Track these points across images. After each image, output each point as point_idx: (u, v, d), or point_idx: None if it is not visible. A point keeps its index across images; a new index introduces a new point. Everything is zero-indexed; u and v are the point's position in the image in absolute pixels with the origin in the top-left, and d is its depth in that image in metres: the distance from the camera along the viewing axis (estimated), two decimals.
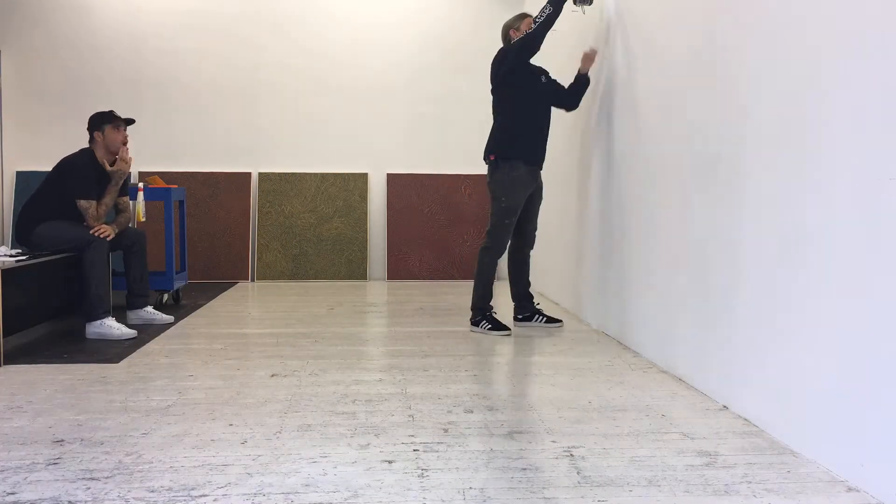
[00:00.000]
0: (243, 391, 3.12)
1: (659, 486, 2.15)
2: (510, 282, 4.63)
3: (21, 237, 4.36)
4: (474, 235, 7.05)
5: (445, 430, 2.62)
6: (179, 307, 5.28)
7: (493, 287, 4.41)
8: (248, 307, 5.38)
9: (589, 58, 4.47)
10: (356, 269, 6.97)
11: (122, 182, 4.53)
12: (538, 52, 4.30)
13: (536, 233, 4.59)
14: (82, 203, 4.36)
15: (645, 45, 3.81)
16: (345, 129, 7.07)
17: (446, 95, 7.09)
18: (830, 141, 2.28)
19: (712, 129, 3.05)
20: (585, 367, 3.56)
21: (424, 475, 2.22)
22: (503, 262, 4.63)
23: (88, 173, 4.40)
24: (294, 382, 3.26)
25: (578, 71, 4.52)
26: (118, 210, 4.69)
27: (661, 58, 3.59)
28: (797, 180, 2.44)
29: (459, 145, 7.13)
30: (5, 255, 3.87)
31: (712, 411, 2.85)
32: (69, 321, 4.66)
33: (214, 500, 2.04)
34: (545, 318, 4.55)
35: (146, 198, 5.19)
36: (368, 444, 2.47)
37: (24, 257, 3.97)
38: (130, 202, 4.86)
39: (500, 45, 4.52)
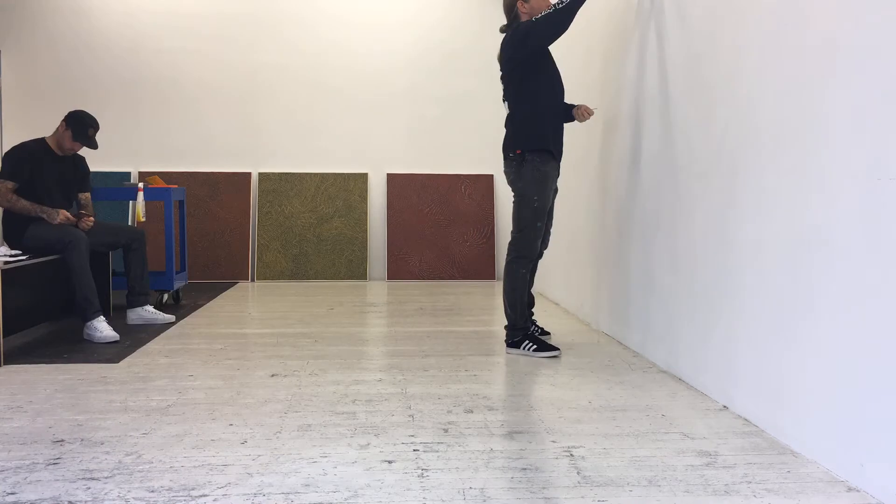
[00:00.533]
0: (243, 391, 3.12)
1: (659, 486, 2.15)
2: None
3: (11, 240, 4.27)
4: (474, 235, 7.05)
5: (445, 430, 2.62)
6: (179, 307, 5.28)
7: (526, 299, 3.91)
8: (248, 307, 5.38)
9: (586, 114, 3.96)
10: (356, 269, 6.97)
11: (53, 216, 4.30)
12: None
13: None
14: None
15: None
16: (345, 129, 7.07)
17: (446, 96, 7.09)
18: (832, 141, 2.28)
19: (712, 128, 3.05)
20: (585, 367, 3.56)
21: (424, 475, 2.22)
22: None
23: (21, 156, 4.27)
24: (294, 382, 3.26)
25: (571, 112, 4.00)
26: (80, 206, 4.64)
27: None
28: (796, 180, 2.44)
29: (459, 145, 7.13)
30: (5, 256, 3.87)
31: (712, 411, 2.85)
32: (69, 321, 4.66)
33: (214, 500, 2.04)
34: (540, 329, 4.21)
35: (146, 198, 5.19)
36: (368, 444, 2.47)
37: (23, 257, 3.97)
38: (90, 198, 4.72)
39: (499, 43, 4.33)
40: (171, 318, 4.69)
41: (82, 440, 2.50)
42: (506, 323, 3.91)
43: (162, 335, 4.29)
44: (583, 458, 2.37)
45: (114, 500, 2.03)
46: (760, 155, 2.67)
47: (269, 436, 2.56)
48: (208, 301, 5.58)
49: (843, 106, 2.22)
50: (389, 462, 2.32)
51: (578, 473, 2.24)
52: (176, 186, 5.57)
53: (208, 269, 6.80)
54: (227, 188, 6.92)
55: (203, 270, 6.79)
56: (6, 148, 6.71)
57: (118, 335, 4.12)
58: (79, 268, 4.13)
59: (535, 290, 6.35)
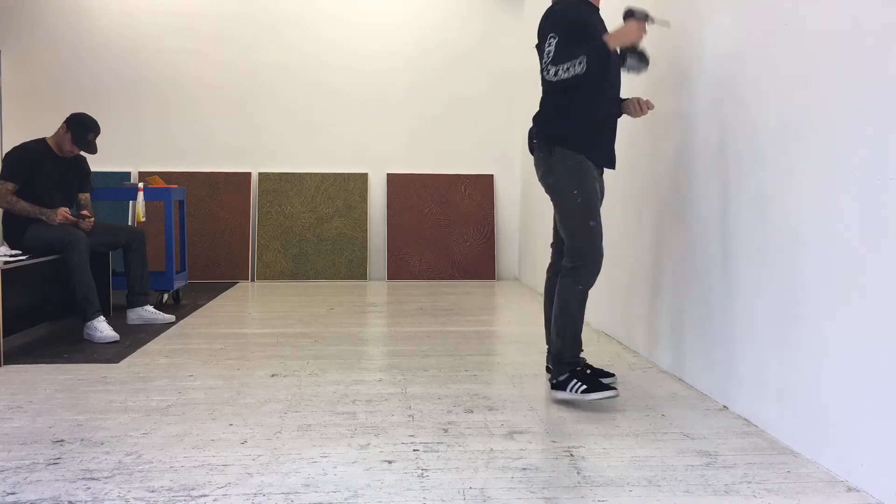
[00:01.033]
0: (243, 391, 3.12)
1: (659, 486, 2.15)
2: (546, 309, 3.23)
3: (11, 240, 4.27)
4: (474, 235, 7.05)
5: (445, 430, 2.62)
6: (179, 307, 5.28)
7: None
8: (248, 307, 5.38)
9: (640, 108, 3.13)
10: (356, 269, 6.97)
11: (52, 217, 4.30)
12: None
13: None
14: None
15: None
16: (345, 129, 7.07)
17: (446, 96, 7.09)
18: (828, 142, 2.28)
19: (710, 126, 3.05)
20: None
21: (424, 475, 2.22)
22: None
23: (22, 157, 4.29)
24: (294, 382, 3.26)
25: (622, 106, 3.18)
26: (79, 206, 4.65)
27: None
28: (796, 180, 2.44)
29: (459, 145, 7.13)
30: (5, 256, 3.87)
31: (712, 411, 2.85)
32: (69, 321, 4.66)
33: (214, 500, 2.04)
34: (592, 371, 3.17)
35: (146, 198, 5.19)
36: (368, 444, 2.47)
37: (23, 257, 3.97)
38: (90, 198, 4.73)
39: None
40: (171, 318, 4.69)
41: (82, 440, 2.50)
42: (549, 357, 3.06)
43: (162, 335, 4.29)
44: (583, 458, 2.37)
45: (114, 500, 2.03)
46: (758, 156, 2.67)
47: (269, 436, 2.56)
48: (208, 301, 5.58)
49: (842, 106, 2.21)
50: (389, 462, 2.32)
51: (578, 473, 2.24)
52: (176, 186, 5.58)
53: (208, 269, 6.80)
54: (227, 188, 6.92)
55: (203, 270, 6.79)
56: (6, 148, 6.71)
57: (118, 335, 4.12)
58: (79, 268, 4.13)
59: (535, 289, 6.33)
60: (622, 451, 2.43)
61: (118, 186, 5.52)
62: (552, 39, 2.88)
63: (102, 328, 4.09)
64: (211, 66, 6.91)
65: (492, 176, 7.14)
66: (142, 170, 6.87)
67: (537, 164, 3.08)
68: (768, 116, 2.62)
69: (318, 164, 7.07)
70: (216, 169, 6.97)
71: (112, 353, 3.80)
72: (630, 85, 3.51)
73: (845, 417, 2.18)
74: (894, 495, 1.98)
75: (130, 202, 6.77)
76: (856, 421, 2.14)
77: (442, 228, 7.06)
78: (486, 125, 7.12)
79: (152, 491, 2.09)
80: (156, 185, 5.47)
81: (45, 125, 6.63)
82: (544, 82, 2.99)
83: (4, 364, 3.57)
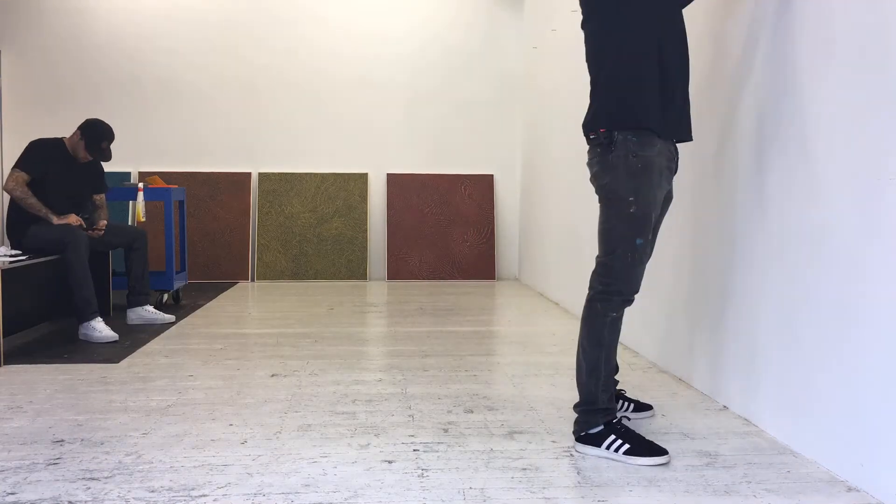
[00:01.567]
0: (243, 391, 3.12)
1: (659, 486, 2.15)
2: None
3: (14, 240, 4.28)
4: (474, 235, 7.05)
5: (445, 430, 2.62)
6: (179, 307, 5.28)
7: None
8: (248, 307, 5.38)
9: None
10: (356, 269, 6.97)
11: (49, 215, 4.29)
12: None
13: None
14: (13, 172, 4.23)
15: None
16: (345, 129, 7.07)
17: (446, 96, 7.09)
18: (825, 144, 2.28)
19: (706, 125, 3.05)
20: None
21: (424, 475, 2.22)
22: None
23: (41, 154, 4.31)
24: (294, 382, 3.26)
25: None
26: (95, 207, 4.66)
27: None
28: (794, 180, 2.44)
29: (459, 145, 7.13)
30: (5, 256, 3.87)
31: (712, 411, 2.85)
32: (69, 321, 4.66)
33: (214, 500, 2.04)
34: (633, 405, 2.80)
35: (146, 198, 5.19)
36: (368, 444, 2.47)
37: (23, 257, 3.97)
38: (105, 199, 4.75)
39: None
40: (171, 318, 4.69)
41: (82, 440, 2.50)
42: (578, 400, 2.48)
43: (162, 335, 4.29)
44: (583, 458, 2.37)
45: (114, 500, 2.03)
46: (760, 155, 2.66)
47: (269, 436, 2.56)
48: (208, 301, 5.58)
49: (847, 107, 2.21)
50: (389, 462, 2.32)
51: (578, 473, 2.24)
52: (176, 186, 5.58)
53: (208, 269, 6.80)
54: (227, 188, 6.92)
55: (203, 270, 6.79)
56: (6, 148, 6.72)
57: (117, 335, 4.12)
58: (78, 267, 4.13)
59: (535, 289, 6.33)
60: None
61: (118, 186, 5.52)
62: None
63: (101, 328, 4.09)
64: (211, 67, 6.91)
65: (492, 176, 7.14)
66: (142, 170, 6.87)
67: (591, 161, 2.50)
68: (772, 114, 2.61)
69: (318, 164, 7.07)
70: (216, 169, 6.97)
71: (112, 353, 3.80)
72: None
73: (845, 417, 2.18)
74: (894, 495, 1.98)
75: (130, 202, 6.77)
76: (856, 421, 2.14)
77: (442, 228, 7.06)
78: (486, 125, 7.12)
79: (152, 491, 2.09)
80: (156, 185, 5.47)
81: (45, 125, 6.64)
82: (594, 49, 2.49)
83: (4, 364, 3.57)
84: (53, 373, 3.42)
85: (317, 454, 2.38)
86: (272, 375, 3.38)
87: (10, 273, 3.84)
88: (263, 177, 6.98)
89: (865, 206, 2.11)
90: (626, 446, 2.34)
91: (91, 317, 4.11)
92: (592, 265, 2.50)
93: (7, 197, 6.71)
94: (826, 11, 2.31)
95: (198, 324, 4.67)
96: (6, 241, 4.34)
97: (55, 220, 4.22)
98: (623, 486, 2.14)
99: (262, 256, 6.90)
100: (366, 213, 7.03)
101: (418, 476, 2.21)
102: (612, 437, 2.37)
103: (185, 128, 6.92)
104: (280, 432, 2.59)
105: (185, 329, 4.49)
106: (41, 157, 4.31)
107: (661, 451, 2.34)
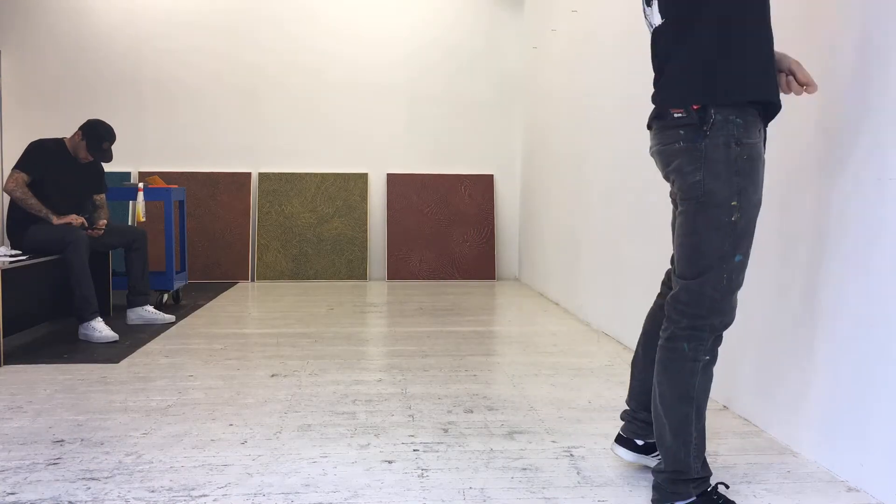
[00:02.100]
0: (243, 391, 3.12)
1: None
2: (636, 363, 2.29)
3: (14, 240, 4.28)
4: (474, 235, 7.05)
5: (445, 430, 2.62)
6: (179, 307, 5.28)
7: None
8: (248, 307, 5.38)
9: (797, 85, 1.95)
10: (356, 269, 6.97)
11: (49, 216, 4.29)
12: None
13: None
14: (13, 172, 4.23)
15: None
16: (345, 129, 7.07)
17: (446, 95, 7.09)
18: (825, 143, 2.28)
19: None
20: (585, 367, 3.56)
21: (424, 475, 2.22)
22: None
23: (41, 154, 4.32)
24: (294, 382, 3.26)
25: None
26: (95, 206, 4.67)
27: None
28: (793, 180, 2.44)
29: (459, 145, 7.13)
30: (5, 256, 3.87)
31: (712, 411, 2.85)
32: (69, 321, 4.66)
33: (214, 500, 2.04)
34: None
35: (146, 198, 5.19)
36: (368, 444, 2.47)
37: (23, 257, 3.97)
38: (105, 199, 4.76)
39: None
40: (171, 318, 4.69)
41: (82, 440, 2.50)
42: (659, 465, 2.00)
43: (162, 335, 4.29)
44: (583, 458, 2.37)
45: (114, 500, 2.03)
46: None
47: (269, 436, 2.56)
48: (208, 301, 5.58)
49: (855, 108, 2.21)
50: (389, 462, 2.32)
51: (578, 473, 2.24)
52: (176, 186, 5.57)
53: (208, 269, 6.80)
54: (227, 188, 6.92)
55: (203, 270, 6.79)
56: (6, 148, 6.72)
57: (117, 335, 4.12)
58: (78, 268, 4.13)
59: (535, 289, 6.33)
60: None
61: (118, 186, 5.52)
62: None
63: (101, 328, 4.10)
64: (211, 67, 6.91)
65: (492, 176, 7.14)
66: (142, 170, 6.87)
67: (666, 149, 1.93)
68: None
69: (318, 165, 7.07)
70: (216, 169, 6.97)
71: (112, 353, 3.80)
72: None
73: (845, 417, 2.18)
74: (894, 495, 1.98)
75: (130, 202, 6.77)
76: (856, 421, 2.13)
77: (442, 228, 7.06)
78: (486, 125, 7.12)
79: (152, 491, 2.09)
80: (156, 185, 5.47)
81: (45, 125, 6.64)
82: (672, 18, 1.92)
83: (4, 364, 3.58)
84: (53, 373, 3.42)
85: (317, 454, 2.38)
86: (272, 375, 3.38)
87: (10, 273, 3.84)
88: (263, 177, 6.98)
89: (866, 207, 2.11)
90: None
91: (91, 317, 4.12)
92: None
93: (7, 197, 6.72)
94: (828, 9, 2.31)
95: (198, 324, 4.67)
96: (6, 241, 4.34)
97: (55, 221, 4.23)
98: (623, 486, 2.14)
99: (262, 256, 6.90)
100: (366, 213, 7.03)
101: (418, 476, 2.21)
102: None
103: (185, 128, 6.92)
104: (280, 432, 2.59)
105: (185, 329, 4.49)
106: (41, 158, 4.32)
107: None
